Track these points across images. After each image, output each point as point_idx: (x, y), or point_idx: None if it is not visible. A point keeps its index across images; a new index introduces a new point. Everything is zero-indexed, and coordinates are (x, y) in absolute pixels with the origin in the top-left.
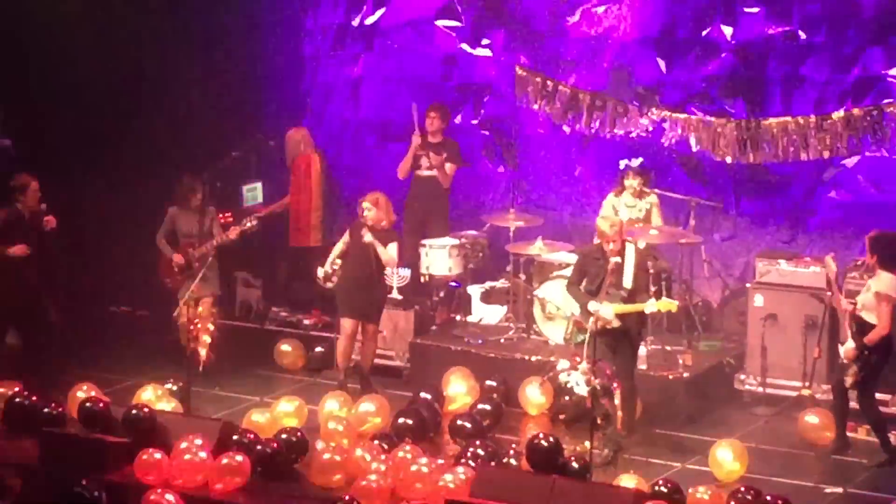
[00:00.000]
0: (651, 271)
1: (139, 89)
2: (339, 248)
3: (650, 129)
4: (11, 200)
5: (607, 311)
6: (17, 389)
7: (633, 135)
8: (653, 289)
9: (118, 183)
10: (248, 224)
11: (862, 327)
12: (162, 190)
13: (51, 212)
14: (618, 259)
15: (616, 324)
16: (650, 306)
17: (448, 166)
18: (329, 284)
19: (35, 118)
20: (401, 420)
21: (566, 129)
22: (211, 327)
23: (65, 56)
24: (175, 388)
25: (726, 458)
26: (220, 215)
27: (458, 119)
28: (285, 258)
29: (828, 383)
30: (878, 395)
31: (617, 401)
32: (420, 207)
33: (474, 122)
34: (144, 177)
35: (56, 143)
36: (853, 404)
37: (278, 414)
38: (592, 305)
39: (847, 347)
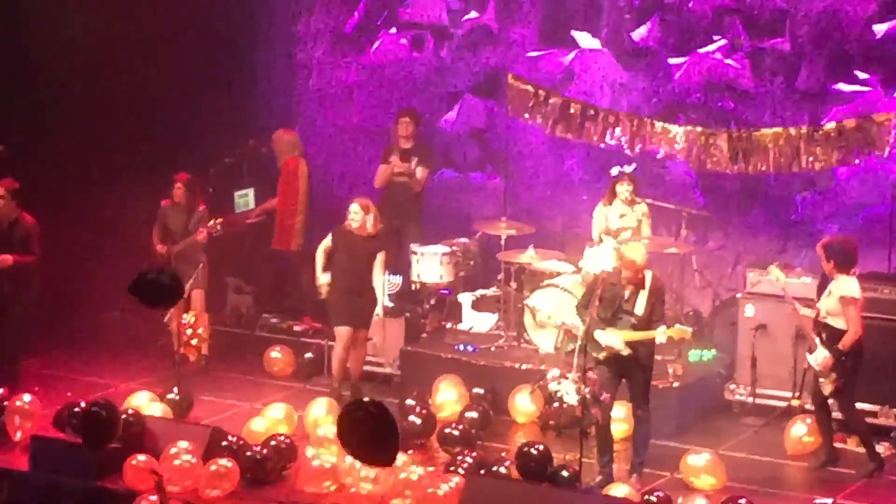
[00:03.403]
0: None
1: (133, 96)
2: (322, 255)
3: (641, 138)
4: None
5: (616, 340)
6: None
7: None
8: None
9: (110, 189)
10: (214, 223)
11: (832, 334)
12: (154, 196)
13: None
14: (632, 287)
15: (626, 352)
16: (660, 334)
17: (419, 171)
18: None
19: (30, 123)
20: None
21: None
22: (202, 332)
23: (59, 63)
24: (178, 397)
25: (697, 463)
26: (214, 220)
27: (449, 127)
28: (267, 262)
29: None
30: (866, 407)
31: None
32: (392, 212)
33: (465, 129)
34: (137, 183)
35: (49, 148)
36: (836, 414)
37: (269, 421)
38: (600, 336)
39: (822, 356)
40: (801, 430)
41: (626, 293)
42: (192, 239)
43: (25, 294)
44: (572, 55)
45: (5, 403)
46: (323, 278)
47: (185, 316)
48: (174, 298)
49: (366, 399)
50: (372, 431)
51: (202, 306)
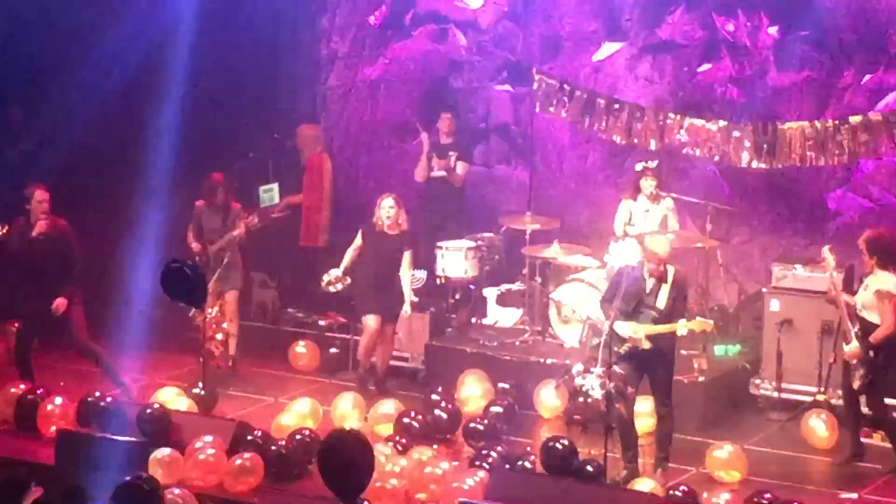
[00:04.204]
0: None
1: (159, 91)
2: (351, 255)
3: (666, 133)
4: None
5: (637, 332)
6: (24, 388)
7: (650, 142)
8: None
9: (136, 183)
10: (254, 221)
11: (865, 328)
12: (180, 191)
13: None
14: (654, 280)
15: (647, 345)
16: (681, 327)
17: (460, 166)
18: (331, 289)
19: (57, 120)
20: (405, 421)
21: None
22: (225, 326)
23: (83, 57)
24: (203, 392)
25: (720, 456)
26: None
27: (475, 121)
28: (294, 258)
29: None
30: (893, 401)
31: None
32: (435, 208)
33: (489, 124)
34: (162, 177)
35: (74, 146)
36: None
37: (296, 415)
38: (620, 327)
39: (852, 350)
40: (817, 425)
41: (648, 287)
42: (230, 235)
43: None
44: (603, 51)
45: (30, 397)
46: (333, 272)
47: (209, 310)
48: (197, 294)
49: (349, 429)
50: (350, 465)
51: (236, 307)
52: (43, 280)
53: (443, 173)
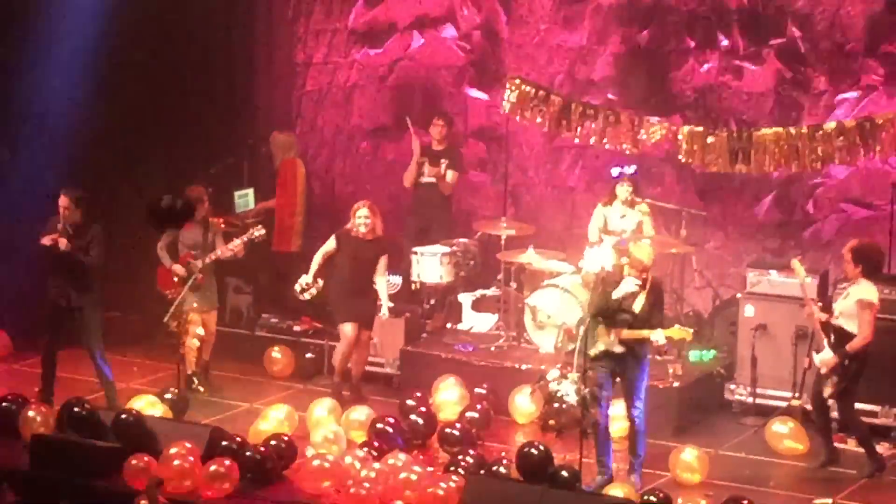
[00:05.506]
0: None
1: (131, 97)
2: (319, 259)
3: (641, 138)
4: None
5: (611, 337)
6: None
7: (624, 147)
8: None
9: (109, 189)
10: (256, 234)
11: (840, 336)
12: (154, 196)
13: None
14: (635, 288)
15: (619, 349)
16: (657, 335)
17: (450, 174)
18: (305, 296)
19: (26, 129)
20: (379, 426)
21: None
22: (200, 332)
23: (55, 63)
24: (173, 397)
25: (686, 458)
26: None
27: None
28: (267, 263)
29: None
30: (867, 407)
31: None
32: (422, 215)
33: (464, 130)
34: (136, 183)
35: (47, 151)
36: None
37: (273, 421)
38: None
39: (826, 358)
40: (780, 430)
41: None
42: (224, 252)
43: (86, 296)
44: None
45: (3, 404)
46: (304, 279)
47: (187, 316)
48: (183, 218)
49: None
50: None
51: (214, 326)
52: (72, 276)
53: (432, 179)
